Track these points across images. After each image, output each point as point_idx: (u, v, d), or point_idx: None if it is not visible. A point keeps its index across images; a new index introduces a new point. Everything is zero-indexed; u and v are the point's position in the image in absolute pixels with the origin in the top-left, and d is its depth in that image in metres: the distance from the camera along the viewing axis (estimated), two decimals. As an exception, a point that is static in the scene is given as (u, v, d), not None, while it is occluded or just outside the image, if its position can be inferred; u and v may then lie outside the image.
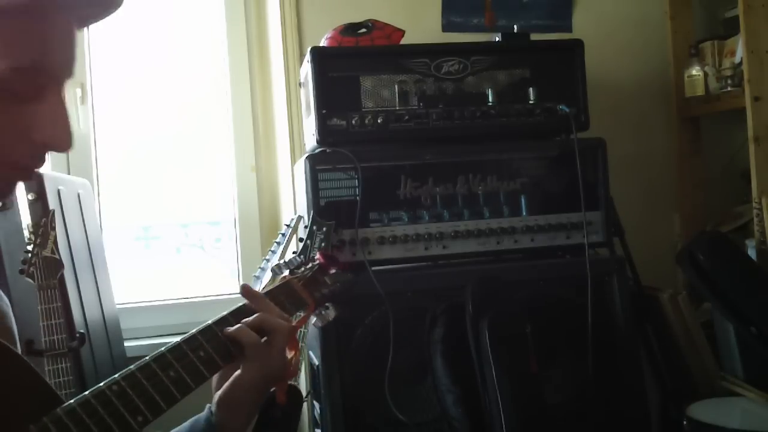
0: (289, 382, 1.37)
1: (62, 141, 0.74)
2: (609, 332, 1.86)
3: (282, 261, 1.32)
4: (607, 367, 1.82)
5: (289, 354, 1.18)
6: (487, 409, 1.68)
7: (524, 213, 1.91)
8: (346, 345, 1.75)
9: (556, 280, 1.87)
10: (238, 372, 1.01)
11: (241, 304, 1.05)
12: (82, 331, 1.85)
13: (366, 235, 1.80)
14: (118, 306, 2.24)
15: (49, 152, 0.77)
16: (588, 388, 1.81)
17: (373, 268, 1.76)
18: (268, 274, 1.76)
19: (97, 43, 2.42)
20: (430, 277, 1.84)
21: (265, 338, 1.01)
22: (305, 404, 2.06)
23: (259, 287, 1.77)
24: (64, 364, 1.67)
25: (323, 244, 1.61)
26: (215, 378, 1.05)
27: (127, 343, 2.23)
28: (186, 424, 1.05)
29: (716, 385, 2.00)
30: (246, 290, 1.06)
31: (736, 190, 2.43)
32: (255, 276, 1.78)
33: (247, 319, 1.01)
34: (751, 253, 2.12)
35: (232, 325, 1.00)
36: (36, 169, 0.77)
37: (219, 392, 1.03)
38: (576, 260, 1.86)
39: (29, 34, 0.71)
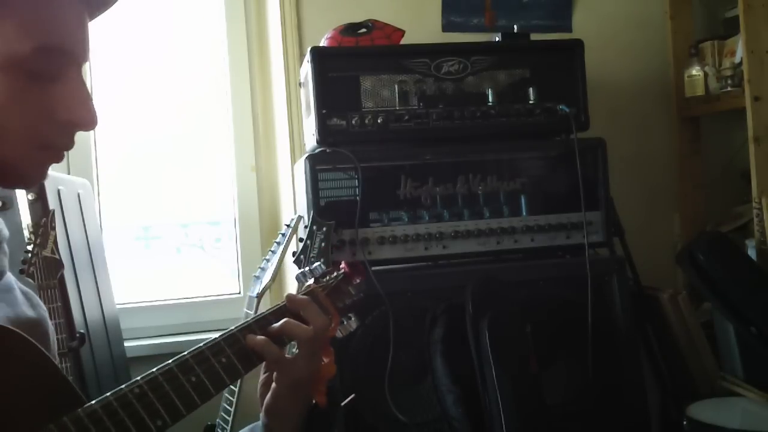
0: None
1: (86, 119, 0.78)
2: (609, 332, 1.86)
3: (307, 268, 1.30)
4: (607, 367, 1.82)
5: (325, 359, 1.17)
6: (487, 409, 1.68)
7: (524, 213, 1.91)
8: (346, 345, 1.74)
9: (556, 280, 1.87)
10: (273, 385, 1.02)
11: (266, 310, 1.04)
12: (82, 331, 1.85)
13: (366, 235, 1.80)
14: (118, 306, 2.24)
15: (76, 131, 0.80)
16: (588, 388, 1.81)
17: (373, 268, 1.76)
18: (269, 274, 1.76)
19: (96, 43, 2.42)
20: (430, 277, 1.84)
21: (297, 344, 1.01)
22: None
23: (259, 287, 1.77)
24: (64, 364, 1.67)
25: (323, 245, 1.61)
26: (259, 386, 1.06)
27: (127, 343, 2.23)
28: (245, 430, 1.09)
29: (716, 385, 2.00)
30: (290, 300, 1.04)
31: (736, 190, 2.43)
32: (255, 276, 1.78)
33: (272, 326, 1.00)
34: (751, 253, 2.12)
35: (256, 333, 0.99)
36: (66, 150, 0.80)
37: (265, 402, 1.05)
38: (576, 260, 1.86)
39: (51, 16, 0.75)
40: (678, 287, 2.29)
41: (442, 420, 1.73)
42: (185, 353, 0.91)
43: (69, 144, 0.80)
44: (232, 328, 0.99)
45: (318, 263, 1.30)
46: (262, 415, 1.05)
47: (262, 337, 0.98)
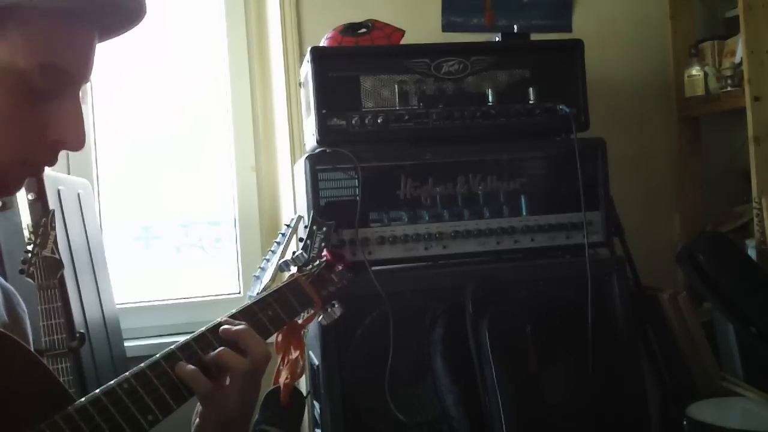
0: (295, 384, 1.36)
1: (76, 141, 0.77)
2: (609, 332, 1.86)
3: (290, 257, 1.32)
4: (607, 367, 1.82)
5: (294, 354, 1.18)
6: (487, 409, 1.68)
7: (524, 213, 1.91)
8: (346, 345, 1.75)
9: (556, 280, 1.87)
10: (197, 420, 0.94)
11: (206, 327, 0.97)
12: (82, 331, 1.85)
13: (366, 235, 1.80)
14: (118, 306, 2.24)
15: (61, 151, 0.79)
16: (588, 388, 1.81)
17: (373, 268, 1.75)
18: (269, 274, 1.76)
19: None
20: (430, 277, 1.84)
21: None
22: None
23: (259, 287, 1.77)
24: (64, 364, 1.67)
25: (323, 244, 1.62)
26: (194, 416, 0.97)
27: (127, 343, 2.23)
28: None
29: (716, 385, 2.00)
30: (225, 331, 0.96)
31: (736, 190, 2.43)
32: (255, 276, 1.78)
33: (207, 355, 0.93)
34: (751, 253, 2.12)
35: (189, 358, 0.91)
36: (49, 166, 0.79)
37: None
38: (576, 260, 1.86)
39: (61, 35, 0.74)
40: (678, 287, 2.29)
41: (442, 420, 1.73)
42: (172, 347, 0.91)
43: (52, 161, 0.79)
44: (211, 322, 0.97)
45: (300, 252, 1.31)
46: None
47: (192, 368, 0.90)
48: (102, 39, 0.82)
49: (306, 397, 2.00)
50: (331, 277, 1.28)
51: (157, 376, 0.86)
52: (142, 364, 0.87)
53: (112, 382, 0.83)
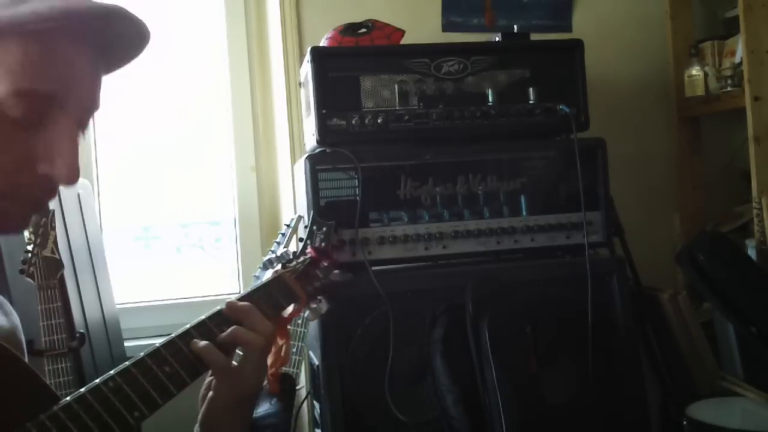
0: (281, 371, 1.36)
1: (66, 176, 0.73)
2: (609, 332, 1.86)
3: (274, 255, 1.33)
4: (607, 367, 1.82)
5: (280, 341, 1.19)
6: (487, 409, 1.68)
7: (524, 213, 1.91)
8: (346, 345, 1.75)
9: (556, 280, 1.87)
10: (210, 393, 0.98)
11: (203, 316, 1.00)
12: (82, 331, 1.85)
13: (366, 235, 1.80)
14: (118, 306, 2.24)
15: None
16: (588, 388, 1.81)
17: (373, 268, 1.76)
18: (268, 274, 1.76)
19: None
20: (430, 277, 1.84)
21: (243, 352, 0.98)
22: (305, 404, 2.07)
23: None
24: (64, 364, 1.67)
25: (323, 245, 1.62)
26: (200, 395, 1.01)
27: (127, 343, 2.23)
28: None
29: (716, 385, 2.00)
30: (230, 307, 1.02)
31: (736, 190, 2.43)
32: (255, 276, 1.78)
33: (221, 335, 0.97)
34: (751, 253, 2.12)
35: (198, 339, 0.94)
36: (47, 201, 0.76)
37: (200, 414, 1.00)
38: (576, 260, 1.86)
39: (40, 58, 0.69)
40: (678, 287, 2.29)
41: (442, 420, 1.73)
42: (156, 344, 0.91)
43: (51, 197, 0.75)
44: (202, 316, 0.98)
45: (285, 249, 1.32)
46: (197, 428, 1.00)
47: (206, 342, 0.94)
48: (110, 70, 0.79)
49: (306, 397, 2.00)
50: (316, 273, 1.29)
51: (142, 373, 0.86)
52: (126, 362, 0.87)
53: (97, 380, 0.82)
